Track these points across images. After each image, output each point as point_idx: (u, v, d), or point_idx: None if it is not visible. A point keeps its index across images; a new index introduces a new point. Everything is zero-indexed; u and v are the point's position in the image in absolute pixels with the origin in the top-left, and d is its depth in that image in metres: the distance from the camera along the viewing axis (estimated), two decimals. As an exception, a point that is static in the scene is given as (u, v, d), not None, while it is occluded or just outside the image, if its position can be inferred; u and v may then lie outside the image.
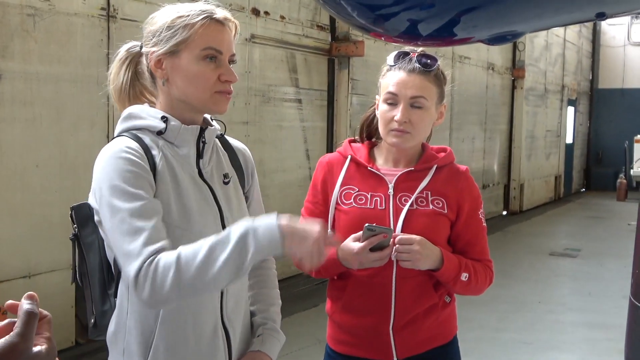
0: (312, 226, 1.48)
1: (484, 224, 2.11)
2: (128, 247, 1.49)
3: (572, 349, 5.33)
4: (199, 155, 1.69)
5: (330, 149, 7.52)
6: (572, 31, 16.15)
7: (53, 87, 4.41)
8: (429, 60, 1.98)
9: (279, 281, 1.95)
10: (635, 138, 16.06)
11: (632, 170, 16.02)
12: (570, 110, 16.89)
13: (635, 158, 15.95)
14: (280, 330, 1.87)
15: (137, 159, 1.56)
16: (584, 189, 18.46)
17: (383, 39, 1.69)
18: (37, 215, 4.34)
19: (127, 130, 1.66)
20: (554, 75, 15.18)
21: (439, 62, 2.01)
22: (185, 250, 1.48)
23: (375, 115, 2.11)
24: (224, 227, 1.64)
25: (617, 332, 5.70)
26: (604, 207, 14.82)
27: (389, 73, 2.02)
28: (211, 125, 1.75)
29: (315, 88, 7.27)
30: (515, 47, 12.68)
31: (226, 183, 1.73)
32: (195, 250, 1.47)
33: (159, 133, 1.64)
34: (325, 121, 7.46)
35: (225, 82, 1.64)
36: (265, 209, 1.85)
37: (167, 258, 1.47)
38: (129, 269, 1.48)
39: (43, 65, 4.33)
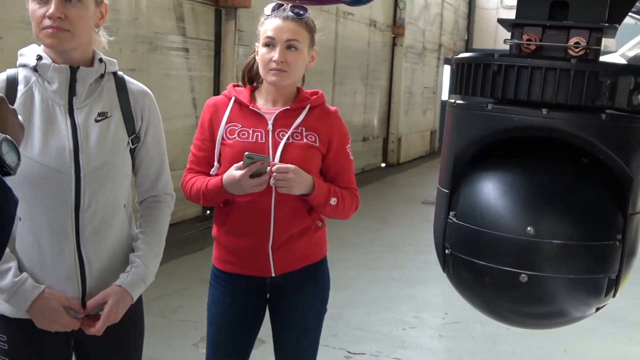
0: None
1: (351, 158, 2.43)
2: None
3: (436, 284, 5.90)
4: (72, 92, 1.86)
5: (216, 98, 7.67)
6: (450, -8, 16.91)
7: None
8: (300, 11, 2.27)
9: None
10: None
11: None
12: (447, 68, 17.75)
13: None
14: (148, 272, 1.96)
15: None
16: (457, 144, 19.49)
17: None
18: None
19: (18, 65, 1.88)
20: (432, 35, 15.88)
21: (308, 13, 2.30)
22: None
23: (255, 61, 2.38)
24: (76, 158, 1.82)
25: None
26: (474, 161, 15.84)
27: (266, 21, 2.30)
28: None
29: (203, 38, 7.37)
30: (396, 5, 13.17)
31: (97, 121, 1.88)
32: None
33: (35, 69, 1.84)
34: (212, 71, 7.59)
35: (52, 19, 1.74)
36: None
37: None
38: None
39: None
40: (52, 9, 1.75)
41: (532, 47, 1.18)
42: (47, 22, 1.76)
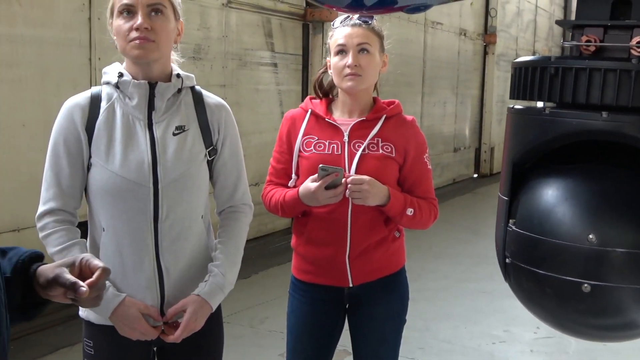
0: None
1: (429, 167, 2.41)
2: (42, 191, 1.96)
3: (528, 297, 5.73)
4: (151, 106, 1.95)
5: (304, 111, 7.77)
6: (544, -3, 16.45)
7: (37, 49, 4.62)
8: (367, 19, 2.31)
9: (255, 239, 2.17)
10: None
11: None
12: (542, 76, 17.20)
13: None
14: (226, 281, 1.99)
15: (71, 115, 1.93)
16: (555, 154, 18.86)
17: (335, 9, 2.00)
18: (24, 173, 4.57)
19: (102, 83, 1.99)
20: (525, 41, 15.47)
21: (375, 19, 2.33)
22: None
23: (324, 75, 2.42)
24: (154, 170, 1.91)
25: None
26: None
27: (335, 32, 2.33)
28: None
29: (291, 52, 7.51)
30: (487, 13, 12.94)
31: (175, 134, 1.96)
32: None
33: (117, 86, 1.95)
34: (300, 85, 7.71)
35: (139, 30, 1.84)
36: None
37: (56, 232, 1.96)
38: (39, 208, 1.95)
39: (27, 29, 4.54)
40: (139, 20, 1.85)
41: (592, 49, 1.13)
42: (134, 34, 1.86)
